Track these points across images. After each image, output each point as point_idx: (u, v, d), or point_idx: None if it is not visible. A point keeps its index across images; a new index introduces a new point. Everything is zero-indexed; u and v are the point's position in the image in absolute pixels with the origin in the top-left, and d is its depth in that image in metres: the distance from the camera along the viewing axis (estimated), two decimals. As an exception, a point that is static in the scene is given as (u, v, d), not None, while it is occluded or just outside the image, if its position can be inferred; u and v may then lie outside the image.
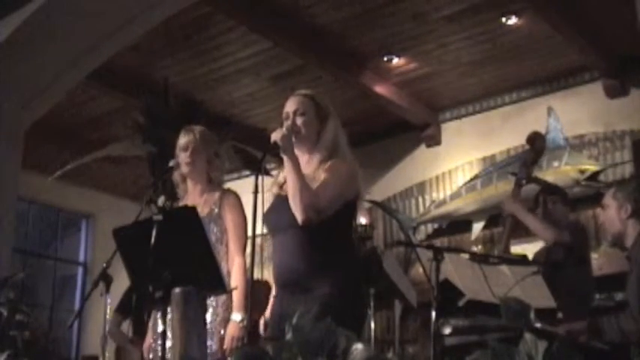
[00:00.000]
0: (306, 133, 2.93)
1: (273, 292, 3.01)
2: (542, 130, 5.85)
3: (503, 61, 6.87)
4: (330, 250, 2.81)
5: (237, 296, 3.31)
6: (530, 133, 4.72)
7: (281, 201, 2.91)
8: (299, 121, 2.94)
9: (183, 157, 3.58)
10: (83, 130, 7.97)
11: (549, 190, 4.73)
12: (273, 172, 3.20)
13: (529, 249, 4.86)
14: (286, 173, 2.82)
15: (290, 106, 2.99)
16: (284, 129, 2.87)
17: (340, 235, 2.89)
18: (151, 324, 3.45)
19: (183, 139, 3.61)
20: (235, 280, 3.34)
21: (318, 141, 2.95)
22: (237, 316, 3.28)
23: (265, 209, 2.89)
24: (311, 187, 2.78)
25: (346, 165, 2.91)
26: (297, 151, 2.89)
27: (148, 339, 3.46)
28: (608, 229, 3.66)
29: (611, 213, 3.61)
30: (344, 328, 1.52)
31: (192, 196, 3.58)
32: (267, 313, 3.00)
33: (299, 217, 2.74)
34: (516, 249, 5.04)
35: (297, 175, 2.77)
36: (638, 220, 3.54)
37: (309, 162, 2.93)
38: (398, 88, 7.33)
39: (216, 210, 3.48)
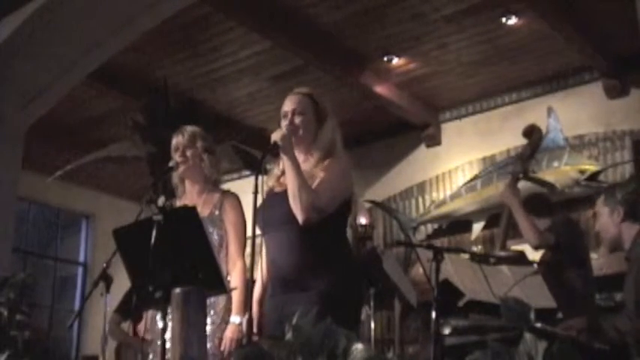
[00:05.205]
0: (304, 132, 2.94)
1: (258, 288, 3.00)
2: (542, 130, 5.82)
3: (503, 61, 6.86)
4: (326, 248, 2.82)
5: (237, 299, 3.31)
6: (526, 126, 4.69)
7: (274, 197, 2.90)
8: (297, 120, 2.93)
9: (175, 159, 3.60)
10: (83, 130, 7.96)
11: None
12: (273, 172, 3.20)
13: (529, 248, 4.85)
14: (286, 173, 2.82)
15: (288, 105, 2.98)
16: (284, 129, 2.87)
17: (336, 232, 2.90)
18: (149, 323, 3.46)
19: (174, 141, 3.63)
20: (236, 283, 3.35)
21: (316, 140, 2.95)
22: (236, 319, 3.29)
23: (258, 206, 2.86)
24: (310, 186, 2.78)
25: (342, 164, 2.92)
26: (294, 150, 2.88)
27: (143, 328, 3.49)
28: (604, 236, 3.64)
29: (604, 219, 3.60)
30: (340, 326, 1.52)
31: (191, 195, 3.58)
32: (254, 311, 2.94)
33: (300, 216, 2.75)
34: (516, 248, 5.03)
35: (297, 176, 2.77)
36: (632, 222, 3.53)
37: (306, 161, 2.93)
38: (398, 88, 7.33)
39: (217, 212, 3.49)
